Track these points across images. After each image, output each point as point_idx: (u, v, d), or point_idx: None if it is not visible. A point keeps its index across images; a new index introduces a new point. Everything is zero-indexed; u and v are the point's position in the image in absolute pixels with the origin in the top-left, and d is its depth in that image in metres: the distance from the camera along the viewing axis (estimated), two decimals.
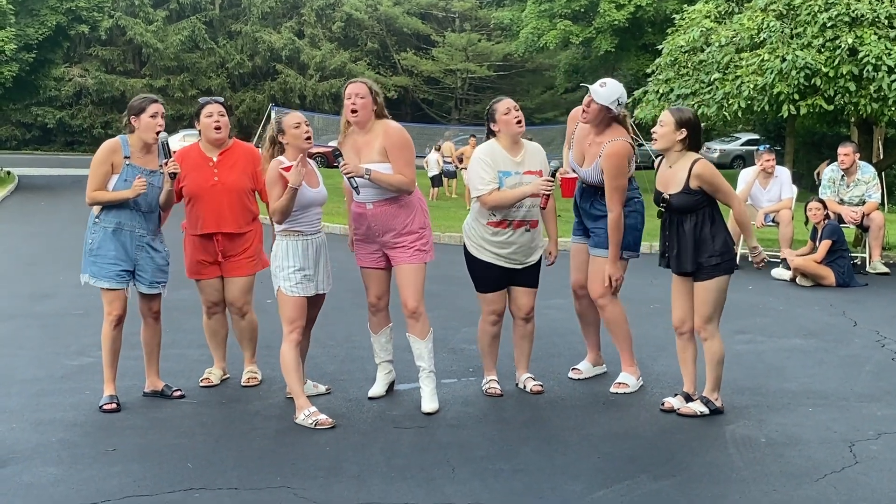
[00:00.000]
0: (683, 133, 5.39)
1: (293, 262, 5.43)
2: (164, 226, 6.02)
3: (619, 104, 5.85)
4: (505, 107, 5.80)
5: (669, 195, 5.45)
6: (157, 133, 5.65)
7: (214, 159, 6.01)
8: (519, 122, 5.78)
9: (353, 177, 5.42)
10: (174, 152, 5.78)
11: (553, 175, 5.78)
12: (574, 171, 6.06)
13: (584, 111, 5.91)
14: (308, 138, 5.38)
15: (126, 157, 5.64)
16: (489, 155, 5.78)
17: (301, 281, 5.46)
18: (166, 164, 5.65)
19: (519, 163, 5.80)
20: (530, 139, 6.12)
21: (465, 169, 21.69)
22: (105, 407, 5.58)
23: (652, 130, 5.57)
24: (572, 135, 6.16)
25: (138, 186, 5.56)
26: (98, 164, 5.64)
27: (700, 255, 5.41)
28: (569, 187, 5.92)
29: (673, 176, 5.46)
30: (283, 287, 5.44)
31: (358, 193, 5.51)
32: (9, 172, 29.36)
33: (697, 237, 5.41)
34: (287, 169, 5.27)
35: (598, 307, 6.13)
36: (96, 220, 5.67)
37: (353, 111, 5.53)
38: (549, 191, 5.70)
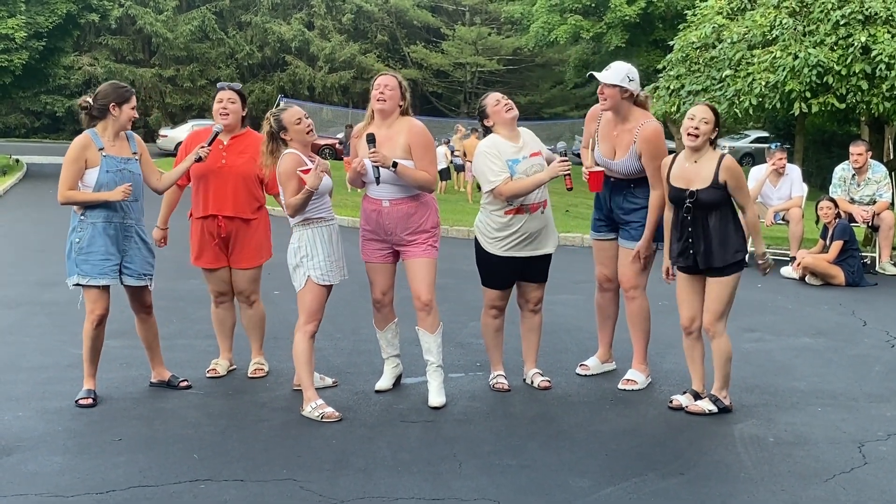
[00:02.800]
0: (716, 130, 5.39)
1: (323, 250, 5.41)
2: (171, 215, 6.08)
3: (630, 80, 5.82)
4: (493, 99, 5.83)
5: (697, 190, 5.38)
6: (131, 120, 5.65)
7: (225, 142, 6.02)
8: (509, 109, 5.78)
9: (378, 166, 5.39)
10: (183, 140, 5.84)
11: (563, 154, 5.73)
12: (605, 167, 5.94)
13: (601, 100, 5.89)
14: (310, 131, 5.45)
15: (101, 149, 5.55)
16: (493, 147, 5.75)
17: (332, 268, 5.44)
18: (202, 147, 5.75)
19: (521, 148, 5.78)
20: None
21: (470, 162, 21.70)
22: (81, 402, 5.50)
23: (693, 126, 5.36)
24: (593, 134, 6.10)
25: (122, 191, 5.44)
26: (71, 162, 5.50)
27: (727, 251, 5.38)
28: (597, 180, 5.79)
29: (698, 172, 5.39)
30: (314, 276, 5.39)
31: (377, 184, 5.47)
32: (17, 160, 29.40)
33: (723, 233, 5.38)
34: (305, 171, 5.26)
35: (628, 298, 6.10)
36: (82, 217, 5.54)
37: (381, 99, 5.50)
38: (568, 170, 5.61)
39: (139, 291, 5.77)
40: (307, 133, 5.43)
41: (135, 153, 5.70)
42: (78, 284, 5.56)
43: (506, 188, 5.67)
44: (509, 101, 5.84)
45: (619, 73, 5.81)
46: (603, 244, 6.23)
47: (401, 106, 5.58)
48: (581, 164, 6.11)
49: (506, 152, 5.73)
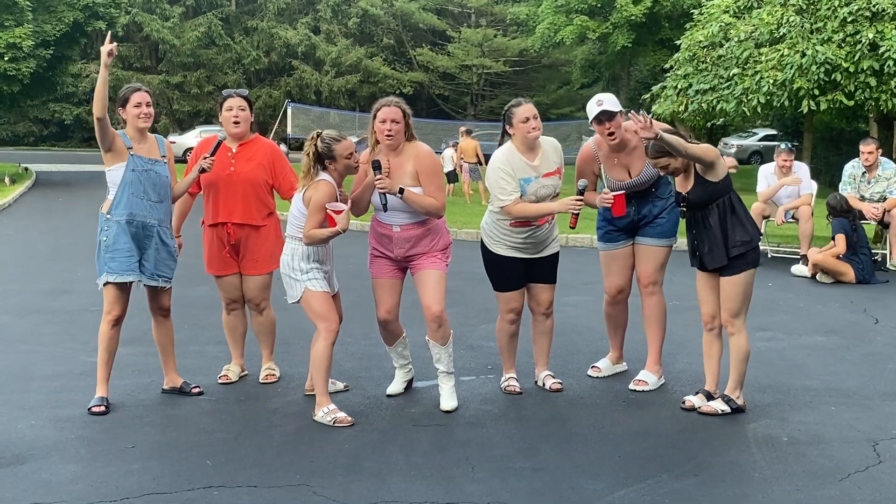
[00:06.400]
0: (679, 160, 5.31)
1: (314, 261, 5.40)
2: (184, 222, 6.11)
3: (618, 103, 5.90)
4: (524, 115, 5.65)
5: (687, 193, 5.40)
6: (140, 117, 5.61)
7: (233, 150, 6.03)
8: (534, 129, 5.66)
9: (385, 193, 5.38)
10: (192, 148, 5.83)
11: (581, 193, 5.67)
12: (624, 188, 5.87)
13: (611, 135, 5.75)
14: (357, 165, 5.46)
15: (129, 148, 5.60)
16: (508, 163, 5.69)
17: (323, 278, 5.44)
18: (206, 158, 5.74)
19: (536, 166, 5.74)
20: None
21: (467, 164, 21.70)
22: (93, 409, 5.49)
23: (659, 169, 5.45)
24: (595, 174, 6.04)
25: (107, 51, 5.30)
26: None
27: (729, 245, 5.35)
28: (621, 203, 5.70)
29: (687, 175, 5.43)
30: (310, 286, 5.39)
31: (385, 210, 5.46)
32: (26, 169, 29.47)
33: (725, 228, 5.35)
34: (337, 212, 5.23)
35: (646, 294, 6.10)
36: (108, 216, 5.60)
37: (389, 136, 5.44)
38: (578, 209, 5.59)
39: (157, 292, 5.79)
40: (355, 167, 5.44)
41: (163, 156, 5.73)
42: (108, 283, 5.56)
43: (515, 209, 5.65)
44: (538, 121, 5.69)
45: (612, 100, 5.78)
46: (617, 253, 6.17)
47: (405, 133, 5.53)
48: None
49: (519, 169, 5.69)
